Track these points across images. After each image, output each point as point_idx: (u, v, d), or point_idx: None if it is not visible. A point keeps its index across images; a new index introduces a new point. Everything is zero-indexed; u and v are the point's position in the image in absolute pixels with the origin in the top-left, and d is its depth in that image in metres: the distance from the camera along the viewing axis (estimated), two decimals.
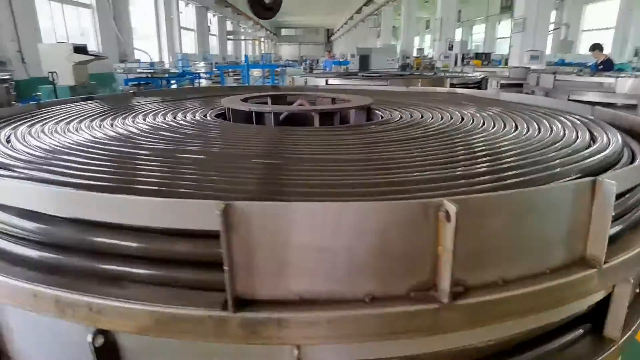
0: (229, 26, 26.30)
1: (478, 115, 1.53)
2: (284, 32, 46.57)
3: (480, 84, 4.37)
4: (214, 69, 13.34)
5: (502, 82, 6.62)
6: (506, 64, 18.54)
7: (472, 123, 1.42)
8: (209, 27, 21.31)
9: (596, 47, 8.96)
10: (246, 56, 12.33)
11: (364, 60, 15.83)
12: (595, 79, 4.56)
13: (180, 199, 0.61)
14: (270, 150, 1.09)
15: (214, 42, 22.76)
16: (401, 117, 1.52)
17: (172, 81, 12.52)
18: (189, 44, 19.08)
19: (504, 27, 30.53)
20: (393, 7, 21.89)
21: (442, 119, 1.48)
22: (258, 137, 1.24)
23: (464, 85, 4.22)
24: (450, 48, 15.85)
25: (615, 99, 4.08)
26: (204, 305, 0.60)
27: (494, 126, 1.36)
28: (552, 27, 11.54)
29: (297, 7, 33.58)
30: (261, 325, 0.58)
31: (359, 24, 29.16)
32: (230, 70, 15.27)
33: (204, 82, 15.56)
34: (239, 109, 1.52)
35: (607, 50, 22.30)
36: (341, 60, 13.11)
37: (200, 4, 19.74)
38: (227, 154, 1.06)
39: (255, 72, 14.55)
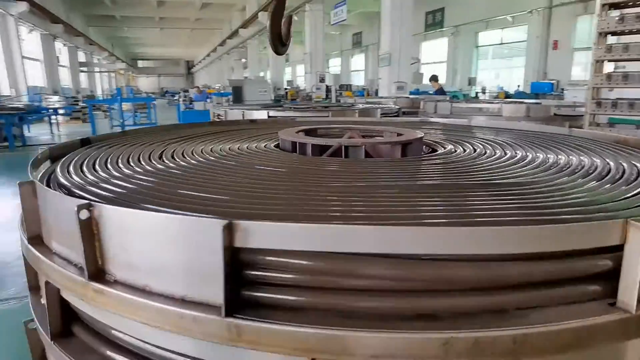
0: (82, 57, 23.79)
1: (497, 141, 1.80)
2: (141, 63, 43.87)
3: (397, 114, 4.90)
4: (80, 103, 11.91)
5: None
6: (368, 94, 20.60)
7: (506, 152, 1.67)
8: (58, 57, 18.97)
9: (433, 78, 10.45)
10: (118, 89, 11.36)
11: (237, 91, 15.98)
12: (479, 105, 5.51)
13: None
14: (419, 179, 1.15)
15: (64, 74, 20.30)
16: (455, 150, 1.67)
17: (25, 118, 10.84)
18: (35, 76, 16.69)
19: (357, 61, 33.99)
20: (259, 40, 22.61)
21: (485, 150, 1.68)
22: (371, 168, 1.28)
23: (387, 115, 4.68)
24: (322, 80, 17.01)
25: (500, 120, 4.98)
26: None
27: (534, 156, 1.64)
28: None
29: (154, 39, 32.16)
30: None
31: (223, 56, 29.26)
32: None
33: (61, 119, 13.74)
34: (323, 144, 1.53)
35: (442, 80, 26.31)
36: (222, 91, 13.15)
37: (46, 31, 17.54)
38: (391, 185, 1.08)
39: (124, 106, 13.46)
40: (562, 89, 16.90)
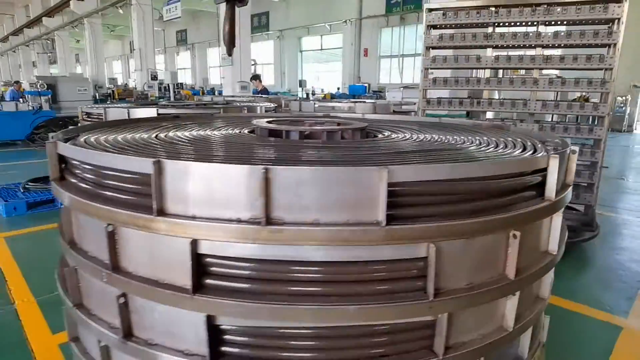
0: None
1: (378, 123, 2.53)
2: None
3: (275, 110, 5.41)
4: None
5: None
6: (204, 93, 20.25)
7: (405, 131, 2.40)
8: None
9: (255, 78, 10.77)
10: None
11: (50, 90, 14.11)
12: (334, 104, 6.46)
13: None
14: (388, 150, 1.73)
15: None
16: (390, 134, 2.29)
17: None
18: None
19: (183, 58, 32.78)
20: (71, 32, 19.92)
21: (412, 136, 2.37)
22: (355, 145, 1.81)
23: (267, 111, 5.15)
24: (154, 78, 16.16)
25: (355, 116, 5.99)
26: None
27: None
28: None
29: None
30: None
31: (20, 48, 24.54)
32: None
33: None
34: (310, 131, 1.96)
35: (271, 81, 27.36)
36: (40, 90, 11.52)
37: None
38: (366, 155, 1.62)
39: None
40: (373, 91, 19.77)
